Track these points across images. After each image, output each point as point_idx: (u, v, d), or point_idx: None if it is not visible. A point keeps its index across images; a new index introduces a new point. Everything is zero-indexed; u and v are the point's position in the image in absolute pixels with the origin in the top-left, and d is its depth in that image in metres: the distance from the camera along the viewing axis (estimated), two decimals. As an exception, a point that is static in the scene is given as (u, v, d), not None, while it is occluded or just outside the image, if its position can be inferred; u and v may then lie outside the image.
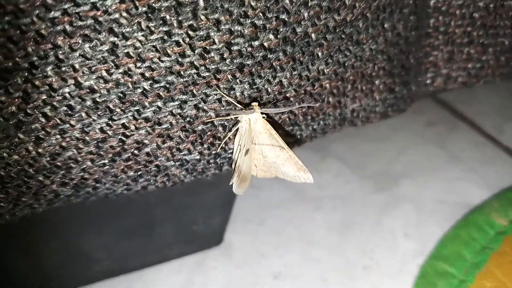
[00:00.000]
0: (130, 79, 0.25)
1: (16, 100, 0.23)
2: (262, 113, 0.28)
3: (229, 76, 0.26)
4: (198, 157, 0.30)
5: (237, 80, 0.27)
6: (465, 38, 0.33)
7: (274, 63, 0.27)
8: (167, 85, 0.25)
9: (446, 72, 0.35)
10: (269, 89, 0.28)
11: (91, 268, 0.41)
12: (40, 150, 0.26)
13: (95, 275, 0.42)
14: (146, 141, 0.27)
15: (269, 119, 0.29)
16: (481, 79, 0.35)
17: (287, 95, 0.29)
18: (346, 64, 0.30)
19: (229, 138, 0.29)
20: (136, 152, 0.28)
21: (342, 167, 0.50)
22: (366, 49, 0.30)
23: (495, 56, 0.35)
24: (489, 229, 0.41)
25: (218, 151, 0.30)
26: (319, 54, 0.28)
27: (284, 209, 0.47)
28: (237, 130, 0.28)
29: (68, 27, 0.22)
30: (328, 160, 0.52)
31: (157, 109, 0.26)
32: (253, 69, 0.27)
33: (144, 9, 0.23)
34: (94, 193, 0.30)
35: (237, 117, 0.28)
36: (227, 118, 0.28)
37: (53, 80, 0.23)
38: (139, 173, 0.29)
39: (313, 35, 0.27)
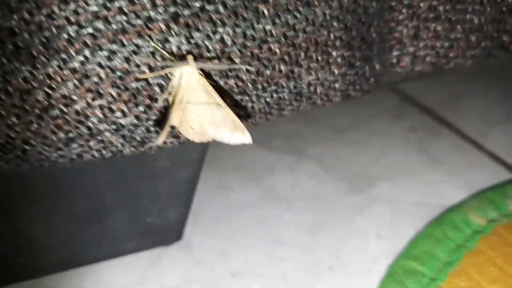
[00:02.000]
0: (54, 23, 0.23)
1: None
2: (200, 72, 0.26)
3: (163, 26, 0.25)
4: (135, 121, 0.28)
5: (172, 32, 0.25)
6: (430, 13, 0.31)
7: (213, 16, 0.25)
8: (94, 32, 0.24)
9: (413, 50, 0.33)
10: (210, 46, 0.26)
11: (39, 259, 0.39)
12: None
13: (45, 268, 0.39)
14: (74, 97, 0.26)
15: (213, 83, 0.28)
16: (451, 60, 0.33)
17: (232, 55, 0.27)
18: (296, 27, 0.28)
19: (167, 100, 0.27)
20: (64, 109, 0.26)
21: (317, 169, 0.48)
22: (319, 13, 0.28)
23: (464, 35, 0.33)
24: (466, 228, 0.38)
25: (157, 116, 0.28)
26: (265, 11, 0.26)
27: (253, 208, 0.44)
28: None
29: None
30: (304, 161, 0.49)
31: (84, 59, 0.24)
32: (190, 21, 0.25)
33: None
34: (25, 157, 0.28)
35: (172, 73, 0.26)
36: (160, 73, 0.26)
37: (-32, 17, 0.22)
38: (70, 135, 0.27)
39: (256, -11, 0.26)
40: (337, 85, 0.32)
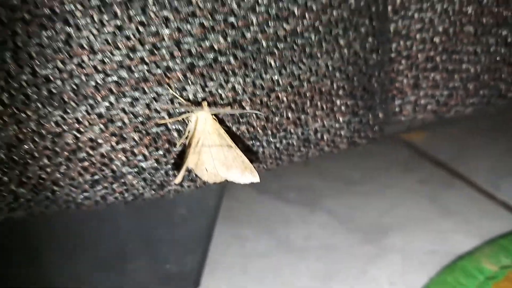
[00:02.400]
0: (84, 71, 0.26)
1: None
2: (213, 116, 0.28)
3: (180, 76, 0.28)
4: (155, 165, 0.30)
5: (189, 81, 0.28)
6: (428, 63, 0.34)
7: (225, 67, 0.28)
8: (119, 80, 0.27)
9: (414, 99, 0.35)
10: (223, 94, 0.29)
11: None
12: (-5, 142, 0.27)
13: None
14: (100, 140, 0.28)
15: (226, 128, 0.30)
16: (451, 108, 0.35)
17: (243, 103, 0.30)
18: (301, 77, 0.30)
19: (184, 144, 0.29)
20: (90, 152, 0.28)
21: (330, 220, 0.49)
22: (322, 64, 0.31)
23: (462, 84, 0.35)
24: (478, 275, 0.38)
25: (175, 160, 0.30)
26: (272, 63, 0.29)
27: (267, 258, 0.45)
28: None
29: (26, 15, 0.25)
30: (317, 213, 0.51)
31: (110, 105, 0.27)
32: (204, 71, 0.28)
33: (96, 2, 0.25)
34: (54, 198, 0.30)
35: (189, 118, 0.28)
36: (178, 119, 0.28)
37: (10, 67, 0.25)
38: (95, 177, 0.30)
39: (263, 42, 0.28)
40: (342, 132, 0.34)
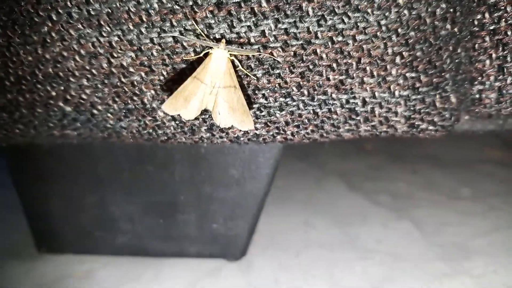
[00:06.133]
0: (119, -4, 0.27)
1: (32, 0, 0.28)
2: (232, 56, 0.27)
3: (207, 12, 0.27)
4: (184, 104, 0.30)
5: (216, 18, 0.27)
6: (521, 43, 0.27)
7: (254, 7, 0.26)
8: (149, 10, 0.27)
9: (499, 86, 0.28)
10: (252, 39, 0.27)
11: (116, 238, 0.42)
12: (46, 55, 0.29)
13: (118, 248, 0.43)
14: (131, 69, 0.29)
15: (254, 77, 0.28)
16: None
17: (273, 52, 0.28)
18: (344, 33, 0.27)
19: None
20: (122, 79, 0.29)
21: (413, 230, 0.43)
22: (372, 22, 0.27)
23: None
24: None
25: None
26: (309, 10, 0.27)
27: (326, 250, 0.42)
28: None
29: None
30: (402, 221, 0.45)
31: (140, 33, 0.28)
32: (232, 9, 0.27)
33: None
34: (95, 122, 0.32)
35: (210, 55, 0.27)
36: (201, 56, 0.28)
37: (58, -13, 0.27)
38: (128, 106, 0.31)
39: (300, -15, 0.26)
40: (399, 109, 0.29)
